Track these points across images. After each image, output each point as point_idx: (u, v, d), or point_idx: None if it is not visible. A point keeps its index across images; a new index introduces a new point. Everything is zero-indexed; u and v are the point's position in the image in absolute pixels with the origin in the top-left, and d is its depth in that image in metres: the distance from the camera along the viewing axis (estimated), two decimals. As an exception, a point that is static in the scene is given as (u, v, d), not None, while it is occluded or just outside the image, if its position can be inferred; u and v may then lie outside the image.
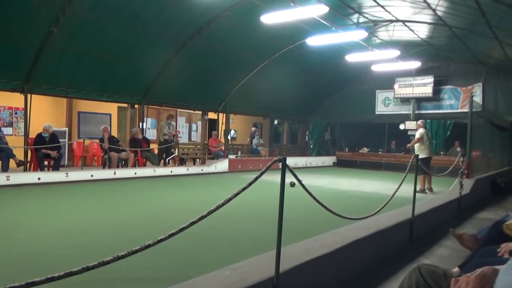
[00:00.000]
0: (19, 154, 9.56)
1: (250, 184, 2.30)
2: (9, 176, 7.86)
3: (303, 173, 13.36)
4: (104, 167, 10.62)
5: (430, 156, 9.39)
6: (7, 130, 11.49)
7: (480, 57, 14.14)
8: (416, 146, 9.41)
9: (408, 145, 11.08)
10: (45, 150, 9.27)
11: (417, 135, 9.48)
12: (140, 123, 13.10)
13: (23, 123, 10.27)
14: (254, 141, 16.41)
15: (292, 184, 9.46)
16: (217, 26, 11.53)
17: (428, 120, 16.61)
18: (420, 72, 16.19)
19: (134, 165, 11.05)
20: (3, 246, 3.88)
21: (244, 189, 2.22)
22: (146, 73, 12.11)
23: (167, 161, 11.98)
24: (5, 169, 8.69)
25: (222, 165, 12.63)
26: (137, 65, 11.55)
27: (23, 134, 10.23)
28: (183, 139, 16.64)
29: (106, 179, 9.33)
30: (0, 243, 4.01)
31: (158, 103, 13.52)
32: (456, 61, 15.75)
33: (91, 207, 6.16)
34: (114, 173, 9.59)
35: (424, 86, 16.40)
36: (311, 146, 19.94)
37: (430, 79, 16.23)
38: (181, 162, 12.70)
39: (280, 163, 2.63)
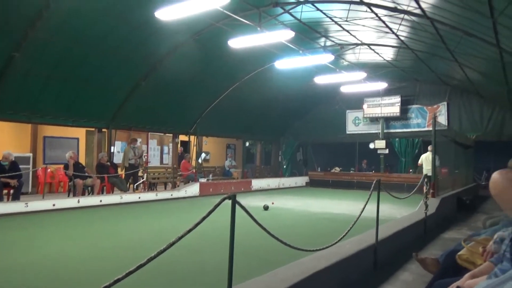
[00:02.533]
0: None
1: (197, 224, 2.22)
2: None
3: (276, 195, 13.32)
4: (69, 195, 10.22)
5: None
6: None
7: (443, 78, 14.72)
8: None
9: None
10: (4, 179, 8.84)
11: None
12: (111, 147, 12.79)
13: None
14: (227, 163, 16.29)
15: (266, 208, 9.43)
16: (186, 50, 11.56)
17: (397, 139, 17.07)
18: (387, 92, 16.66)
19: (101, 192, 10.69)
20: None
21: (189, 230, 2.14)
22: (114, 96, 11.92)
23: (135, 186, 11.65)
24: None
25: (192, 189, 12.40)
26: (105, 88, 11.36)
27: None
28: (154, 162, 16.34)
29: (70, 208, 8.95)
30: None
31: (127, 126, 13.28)
32: (421, 81, 16.33)
33: (48, 241, 5.85)
34: (78, 202, 9.21)
35: (391, 106, 16.87)
36: (284, 167, 20.01)
37: (397, 99, 16.73)
38: (151, 187, 12.40)
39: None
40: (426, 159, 12.48)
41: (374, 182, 4.82)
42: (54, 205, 8.71)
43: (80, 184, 10.03)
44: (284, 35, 9.34)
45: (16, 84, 9.58)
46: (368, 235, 4.80)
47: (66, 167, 10.35)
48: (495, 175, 0.81)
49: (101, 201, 9.68)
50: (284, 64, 11.84)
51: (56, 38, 9.18)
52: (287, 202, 11.27)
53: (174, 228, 7.01)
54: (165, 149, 17.84)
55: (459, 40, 8.83)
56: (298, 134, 19.68)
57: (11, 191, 9.06)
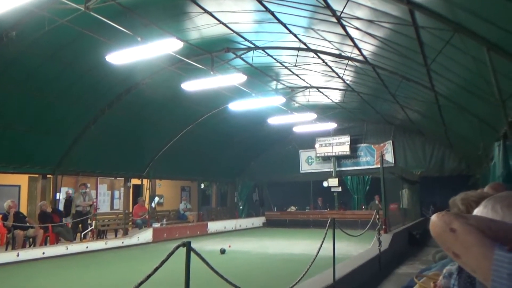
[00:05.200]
0: None
1: (149, 276, 2.11)
2: None
3: (232, 237, 13.05)
4: (7, 248, 9.34)
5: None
6: None
7: (387, 118, 15.68)
8: None
9: None
10: None
11: None
12: (57, 194, 12.03)
13: None
14: (181, 206, 15.86)
15: (223, 251, 9.18)
16: (137, 93, 11.50)
17: (349, 177, 17.64)
18: (337, 132, 17.38)
19: (44, 243, 9.89)
20: None
21: (141, 283, 2.03)
22: (61, 140, 11.40)
23: (82, 235, 10.92)
24: None
25: (145, 235, 11.85)
26: (49, 134, 10.85)
27: None
28: (104, 208, 15.55)
29: (8, 262, 8.16)
30: None
31: (74, 172, 12.65)
32: (368, 121, 17.26)
33: None
34: (18, 255, 8.44)
35: (342, 145, 17.56)
36: (240, 208, 19.82)
37: (346, 138, 17.48)
38: (100, 235, 11.68)
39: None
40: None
41: (329, 220, 4.90)
42: (-11, 260, 7.91)
43: (20, 236, 9.23)
44: (236, 78, 9.60)
45: None
46: (326, 275, 4.80)
47: (4, 217, 9.53)
48: (433, 218, 0.87)
49: (43, 253, 8.94)
50: (238, 106, 12.08)
51: (-1, 81, 8.77)
52: (244, 245, 11.06)
53: (125, 280, 6.59)
54: (116, 193, 17.10)
55: (399, 84, 9.55)
56: (254, 174, 19.76)
57: None
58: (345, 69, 10.35)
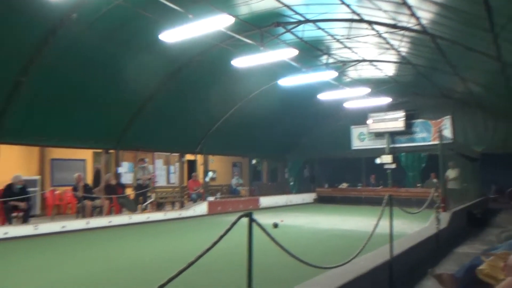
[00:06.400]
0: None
1: (215, 243, 2.25)
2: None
3: (284, 212, 13.25)
4: (78, 216, 10.24)
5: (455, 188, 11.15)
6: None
7: (445, 92, 14.80)
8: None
9: None
10: (14, 202, 8.89)
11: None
12: (118, 168, 12.86)
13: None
14: (233, 181, 16.30)
15: (275, 225, 9.39)
16: (189, 70, 11.76)
17: (403, 154, 17.03)
18: (391, 107, 16.71)
19: (109, 213, 10.70)
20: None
21: (208, 249, 2.17)
22: (121, 118, 12.05)
23: (143, 206, 11.66)
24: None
25: (201, 208, 12.39)
26: (111, 110, 11.48)
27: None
28: (161, 182, 16.37)
29: (79, 229, 8.97)
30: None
31: (133, 147, 13.38)
32: (424, 95, 16.39)
33: (59, 264, 5.85)
34: (87, 223, 9.23)
35: (396, 121, 16.90)
36: (291, 184, 19.95)
37: (401, 114, 16.77)
38: (159, 206, 12.40)
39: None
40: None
41: (386, 197, 4.81)
42: (63, 227, 8.73)
43: (88, 206, 10.06)
44: (286, 53, 9.48)
45: (23, 108, 9.72)
46: (382, 251, 4.77)
47: (75, 189, 10.41)
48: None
49: (110, 222, 9.70)
50: (288, 82, 11.98)
51: (62, 63, 9.36)
52: (296, 220, 11.21)
53: (186, 248, 6.99)
54: (171, 168, 17.91)
55: (460, 55, 8.94)
56: (304, 151, 19.68)
57: (20, 214, 9.10)
58: (400, 40, 9.85)
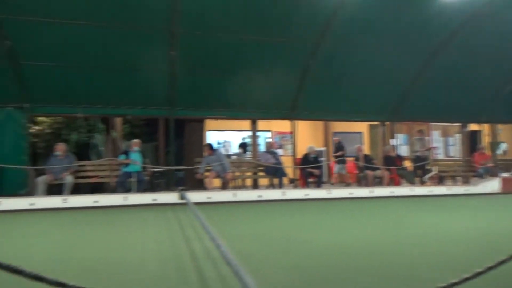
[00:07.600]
0: (289, 172, 11.17)
1: None
2: (284, 192, 9.28)
3: None
4: (359, 185, 10.99)
5: None
6: (279, 152, 13.64)
7: None
8: None
9: None
10: (310, 169, 10.44)
11: None
12: (393, 140, 12.91)
13: (290, 145, 11.96)
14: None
15: None
16: (472, 26, 10.22)
17: None
18: None
19: (388, 184, 10.92)
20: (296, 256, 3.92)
21: None
22: (394, 89, 11.90)
23: (423, 179, 11.24)
24: (280, 185, 10.30)
25: (492, 184, 10.80)
26: (385, 82, 11.49)
27: (290, 154, 11.89)
28: (439, 155, 15.32)
29: (364, 197, 9.60)
30: (294, 253, 4.43)
31: (409, 118, 13.01)
32: None
33: (349, 225, 6.22)
34: (371, 192, 9.76)
35: None
36: None
37: None
38: (441, 180, 11.65)
39: None
40: None
41: None
42: (350, 193, 9.60)
43: (370, 176, 10.60)
44: None
45: (311, 89, 11.08)
46: None
47: (356, 159, 11.18)
48: None
49: (392, 192, 9.91)
50: None
51: (341, 46, 10.04)
52: None
53: (479, 226, 6.21)
54: (450, 140, 16.42)
55: None
56: None
57: (314, 180, 10.62)
58: None
